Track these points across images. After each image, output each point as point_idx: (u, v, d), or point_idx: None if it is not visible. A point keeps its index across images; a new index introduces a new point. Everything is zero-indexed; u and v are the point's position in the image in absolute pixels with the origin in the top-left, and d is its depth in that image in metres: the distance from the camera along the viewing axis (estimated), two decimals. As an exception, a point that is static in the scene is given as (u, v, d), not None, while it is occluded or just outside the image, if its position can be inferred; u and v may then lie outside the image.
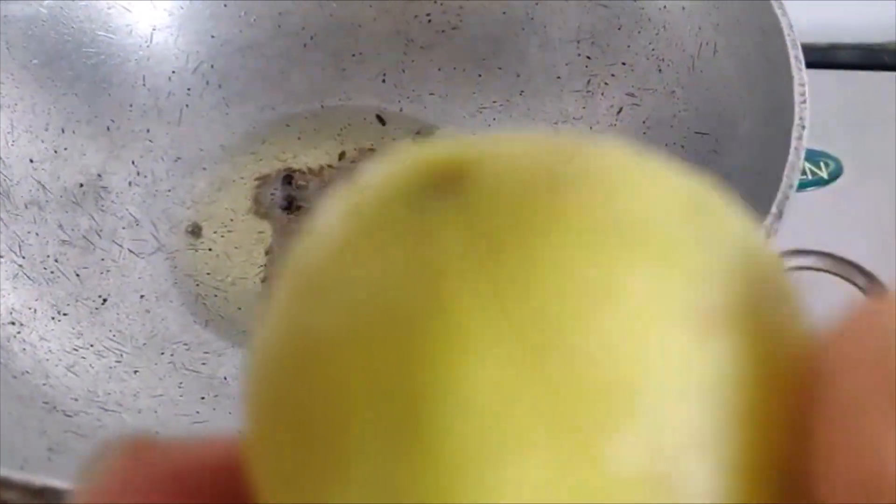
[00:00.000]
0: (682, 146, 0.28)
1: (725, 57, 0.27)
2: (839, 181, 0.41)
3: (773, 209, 0.19)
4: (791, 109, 0.22)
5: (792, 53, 0.23)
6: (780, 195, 0.19)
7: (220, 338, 0.29)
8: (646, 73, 0.31)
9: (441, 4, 0.36)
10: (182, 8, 0.35)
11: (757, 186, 0.23)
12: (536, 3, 0.34)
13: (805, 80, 0.22)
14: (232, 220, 0.32)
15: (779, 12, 0.24)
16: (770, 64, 0.24)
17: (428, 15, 0.36)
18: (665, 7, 0.30)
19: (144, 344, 0.28)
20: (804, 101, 0.22)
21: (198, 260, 0.31)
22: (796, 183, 0.20)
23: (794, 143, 0.20)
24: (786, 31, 0.24)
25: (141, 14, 0.34)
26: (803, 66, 0.23)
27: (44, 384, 0.24)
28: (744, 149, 0.24)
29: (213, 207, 0.32)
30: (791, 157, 0.20)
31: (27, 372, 0.24)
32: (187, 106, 0.34)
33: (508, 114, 0.34)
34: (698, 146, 0.27)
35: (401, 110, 0.36)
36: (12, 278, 0.27)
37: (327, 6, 0.36)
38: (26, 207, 0.29)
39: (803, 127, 0.21)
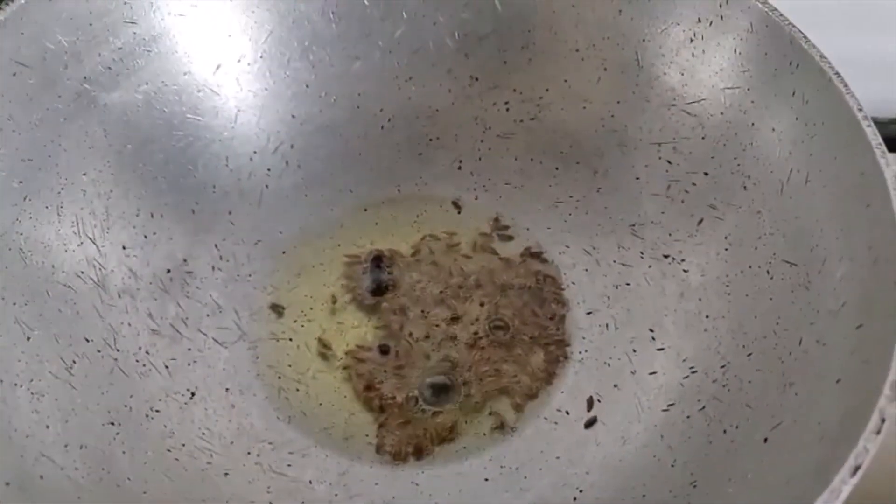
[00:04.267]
0: (768, 272, 0.28)
1: (819, 189, 0.27)
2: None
3: (875, 416, 0.19)
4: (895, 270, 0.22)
5: (896, 210, 0.23)
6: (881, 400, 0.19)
7: (304, 436, 0.29)
8: (730, 188, 0.31)
9: (520, 94, 0.36)
10: (266, 89, 0.35)
11: (859, 345, 0.23)
12: (618, 101, 0.34)
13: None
14: (311, 308, 0.33)
15: (882, 162, 0.24)
16: (870, 213, 0.24)
17: (506, 103, 0.36)
18: (753, 125, 0.30)
19: (232, 443, 0.28)
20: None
21: (279, 350, 0.31)
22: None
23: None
24: (890, 183, 0.24)
25: (227, 96, 0.35)
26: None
27: (144, 492, 0.25)
28: (840, 296, 0.25)
29: (293, 294, 0.33)
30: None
31: (129, 479, 0.25)
32: (267, 187, 0.35)
33: (585, 210, 0.35)
34: (786, 276, 0.27)
35: (476, 199, 0.36)
36: (109, 374, 0.28)
37: (406, 89, 0.37)
38: (119, 297, 0.30)
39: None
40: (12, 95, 0.28)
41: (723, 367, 0.28)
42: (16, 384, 0.25)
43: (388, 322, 0.32)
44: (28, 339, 0.26)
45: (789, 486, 0.21)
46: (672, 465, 0.26)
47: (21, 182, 0.28)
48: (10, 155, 0.28)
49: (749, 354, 0.27)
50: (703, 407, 0.27)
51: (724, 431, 0.26)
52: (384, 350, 0.31)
